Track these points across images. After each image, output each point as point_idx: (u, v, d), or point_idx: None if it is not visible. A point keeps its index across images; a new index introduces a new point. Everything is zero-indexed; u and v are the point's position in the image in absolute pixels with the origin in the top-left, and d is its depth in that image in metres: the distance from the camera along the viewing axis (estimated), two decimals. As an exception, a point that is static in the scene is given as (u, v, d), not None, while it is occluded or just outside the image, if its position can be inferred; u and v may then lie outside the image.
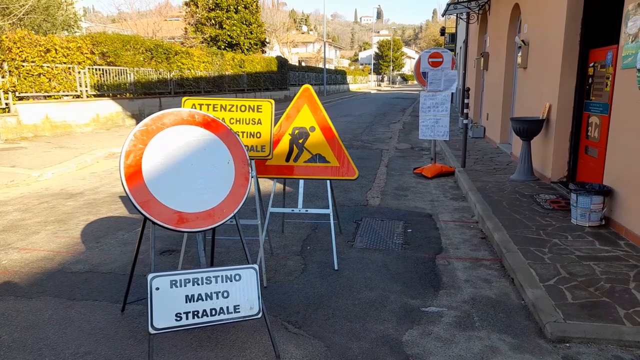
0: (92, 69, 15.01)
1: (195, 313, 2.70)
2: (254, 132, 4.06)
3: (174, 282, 2.69)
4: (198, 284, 2.75)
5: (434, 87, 8.40)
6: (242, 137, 4.04)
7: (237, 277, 2.86)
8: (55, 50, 13.83)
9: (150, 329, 2.56)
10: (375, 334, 3.17)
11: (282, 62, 31.04)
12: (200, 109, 4.07)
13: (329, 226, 5.41)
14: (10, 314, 3.47)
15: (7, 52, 12.52)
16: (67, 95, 14.30)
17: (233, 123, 4.06)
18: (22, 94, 12.93)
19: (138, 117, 16.84)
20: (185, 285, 2.72)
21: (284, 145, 4.53)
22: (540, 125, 7.22)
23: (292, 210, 4.49)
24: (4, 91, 12.47)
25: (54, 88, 13.85)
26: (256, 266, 2.93)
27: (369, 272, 4.22)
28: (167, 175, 2.83)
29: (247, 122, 4.07)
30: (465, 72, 17.38)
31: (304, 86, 4.63)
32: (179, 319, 2.65)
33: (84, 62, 14.77)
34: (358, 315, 3.43)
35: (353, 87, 56.17)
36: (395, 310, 3.50)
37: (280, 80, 30.75)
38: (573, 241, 4.66)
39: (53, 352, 2.97)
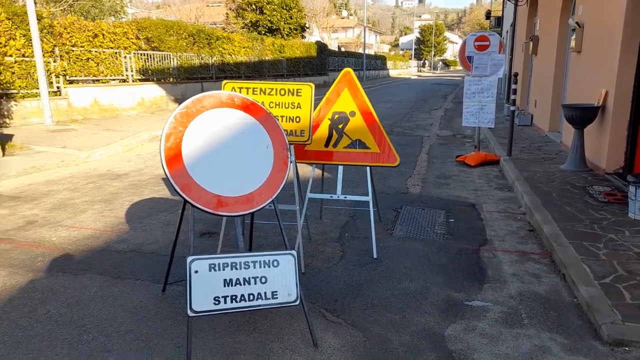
0: (138, 53, 15.34)
1: (234, 297, 2.68)
2: (293, 117, 3.98)
3: (212, 265, 2.67)
4: (236, 269, 2.73)
5: (480, 71, 8.05)
6: (281, 121, 3.98)
7: (276, 263, 2.82)
8: (103, 35, 14.21)
9: (189, 312, 2.56)
10: (416, 327, 3.07)
11: (321, 47, 30.80)
12: (240, 93, 4.03)
13: (368, 213, 5.29)
14: (58, 289, 3.58)
15: (58, 37, 12.96)
16: (114, 80, 14.71)
17: (272, 107, 4.00)
18: (72, 78, 13.39)
19: (181, 101, 17.02)
20: (223, 270, 2.69)
21: (323, 130, 4.44)
22: (594, 113, 6.79)
23: (331, 197, 4.41)
24: (55, 75, 12.95)
25: (102, 72, 14.27)
26: (294, 252, 2.87)
27: (409, 262, 4.10)
28: (207, 158, 2.80)
29: (287, 106, 3.99)
30: (512, 57, 16.65)
31: (344, 70, 4.50)
32: (217, 302, 2.64)
33: (129, 47, 15.11)
34: (398, 307, 3.33)
35: (393, 73, 55.20)
36: (437, 303, 3.38)
37: (320, 66, 30.55)
38: (631, 237, 4.36)
39: (97, 329, 3.03)
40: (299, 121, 3.98)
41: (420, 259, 4.18)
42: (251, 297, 2.72)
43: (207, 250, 4.35)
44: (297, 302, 2.81)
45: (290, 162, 3.08)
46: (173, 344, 2.86)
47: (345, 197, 4.38)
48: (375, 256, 4.19)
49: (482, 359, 2.74)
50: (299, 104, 3.99)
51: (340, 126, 4.42)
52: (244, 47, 21.46)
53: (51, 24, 12.78)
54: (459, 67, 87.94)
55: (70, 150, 9.21)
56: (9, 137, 10.11)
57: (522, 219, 5.28)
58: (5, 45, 11.78)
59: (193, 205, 2.72)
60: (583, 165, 6.98)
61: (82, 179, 7.25)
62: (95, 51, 13.96)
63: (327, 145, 4.43)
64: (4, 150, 8.75)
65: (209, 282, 2.65)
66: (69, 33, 13.19)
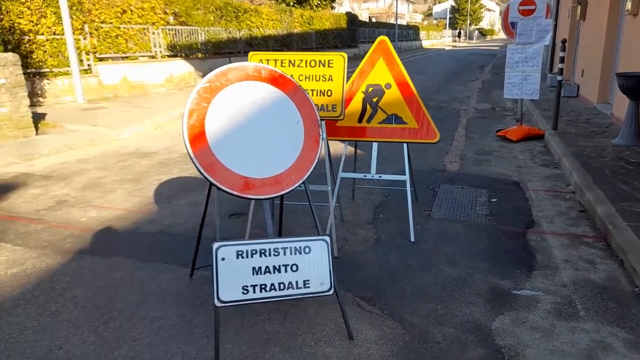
0: (165, 29, 15.21)
1: (263, 286, 2.50)
2: (324, 90, 3.71)
3: (240, 252, 2.49)
4: (265, 256, 2.53)
5: (524, 38, 7.49)
6: (312, 95, 3.71)
7: (307, 250, 2.61)
8: (131, 11, 14.11)
9: (216, 302, 2.39)
10: (459, 318, 2.83)
11: (351, 18, 29.96)
12: (267, 64, 3.77)
13: (403, 193, 5.02)
14: (86, 273, 3.50)
15: (87, 14, 12.93)
16: (142, 56, 14.67)
17: (302, 80, 3.74)
18: (101, 55, 13.40)
19: (209, 78, 16.97)
20: (252, 257, 2.51)
21: (356, 104, 4.15)
22: (653, 81, 6.20)
23: (365, 176, 4.15)
24: (85, 53, 12.98)
25: (131, 49, 14.23)
26: (327, 238, 2.66)
27: (449, 246, 3.83)
28: (232, 137, 2.59)
29: (317, 78, 3.72)
30: (557, 24, 15.65)
31: (379, 38, 4.17)
32: (245, 292, 2.46)
33: (157, 22, 14.98)
34: (438, 296, 3.09)
35: (426, 44, 53.48)
36: (482, 292, 3.12)
37: (350, 38, 29.80)
38: (698, 219, 3.95)
39: (123, 315, 2.93)
40: (330, 95, 3.70)
41: (462, 242, 3.90)
42: (281, 286, 2.53)
43: (235, 233, 4.19)
44: (331, 292, 2.61)
45: (322, 139, 2.83)
46: (201, 333, 2.72)
47: (380, 177, 4.11)
48: (412, 239, 3.93)
49: (535, 356, 2.49)
50: (330, 76, 3.71)
51: (374, 100, 4.12)
52: (272, 20, 21.03)
53: (80, 1, 12.73)
54: (496, 37, 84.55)
55: (101, 129, 9.22)
56: (43, 115, 10.21)
57: (572, 198, 4.89)
58: (37, 24, 11.82)
59: (218, 188, 2.52)
60: (638, 139, 6.44)
61: (112, 158, 7.22)
62: (124, 27, 13.90)
63: (360, 120, 4.15)
64: (37, 129, 8.83)
65: (236, 270, 2.47)
66: (97, 9, 13.13)
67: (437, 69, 22.17)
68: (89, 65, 13.07)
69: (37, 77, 11.82)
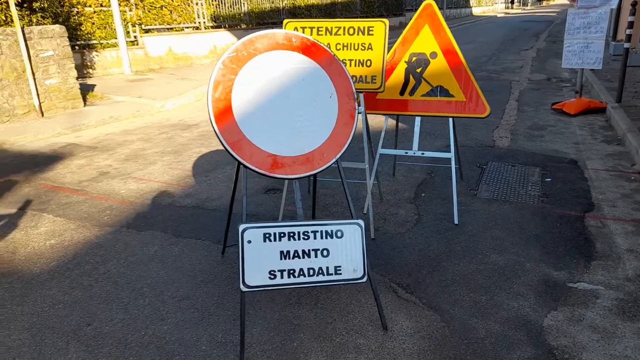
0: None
1: (291, 272, 2.35)
2: (363, 60, 3.44)
3: (267, 235, 2.34)
4: (294, 239, 2.37)
5: (587, 1, 6.79)
6: (350, 65, 3.46)
7: (339, 234, 2.43)
8: (175, -19, 14.05)
9: (241, 286, 2.27)
10: (506, 312, 2.58)
11: (399, -16, 28.70)
12: (303, 32, 3.54)
13: (448, 171, 4.73)
14: (121, 246, 3.49)
15: (133, -15, 12.98)
16: (187, 27, 14.67)
17: (339, 49, 3.48)
18: (147, 27, 13.49)
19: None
20: (280, 240, 2.36)
21: (398, 75, 3.85)
22: None
23: (406, 153, 3.88)
24: (132, 24, 13.10)
25: (175, 20, 14.24)
26: (361, 222, 2.46)
27: (497, 230, 3.54)
28: (260, 111, 2.41)
29: (356, 47, 3.45)
30: (625, -15, 14.27)
31: (425, 2, 3.82)
32: (272, 277, 2.32)
33: (201, -8, 14.88)
34: (484, 285, 2.85)
35: (477, 11, 50.80)
36: (532, 283, 2.84)
37: (396, 5, 28.67)
38: None
39: (153, 292, 2.88)
40: (369, 65, 3.44)
41: (511, 226, 3.60)
42: (311, 272, 2.38)
43: (270, 209, 4.07)
44: (364, 280, 2.42)
45: (359, 113, 2.60)
46: (229, 315, 2.63)
47: (423, 153, 3.83)
48: (456, 221, 3.67)
49: (592, 360, 2.22)
50: (370, 44, 3.43)
51: (418, 70, 3.81)
52: (316, -12, 20.46)
53: (126, -28, 12.77)
54: (553, 2, 79.16)
55: (145, 100, 9.32)
56: (91, 87, 10.45)
57: (637, 179, 4.43)
58: (85, -4, 11.99)
59: (245, 166, 2.37)
60: None
61: (155, 129, 7.26)
62: (169, -2, 13.89)
63: (402, 93, 3.86)
64: (85, 100, 9.03)
65: (263, 254, 2.33)
66: (143, -19, 13.16)
67: (488, 37, 20.97)
68: (135, 37, 13.21)
69: (87, 49, 12.06)
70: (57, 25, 8.38)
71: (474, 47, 16.48)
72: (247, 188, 4.44)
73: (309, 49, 2.51)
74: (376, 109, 3.91)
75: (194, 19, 14.79)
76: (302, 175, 2.43)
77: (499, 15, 47.30)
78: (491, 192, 4.30)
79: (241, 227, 2.31)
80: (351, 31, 3.46)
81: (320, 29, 3.52)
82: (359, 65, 3.45)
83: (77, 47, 11.76)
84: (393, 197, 4.25)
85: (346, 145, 2.52)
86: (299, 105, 2.47)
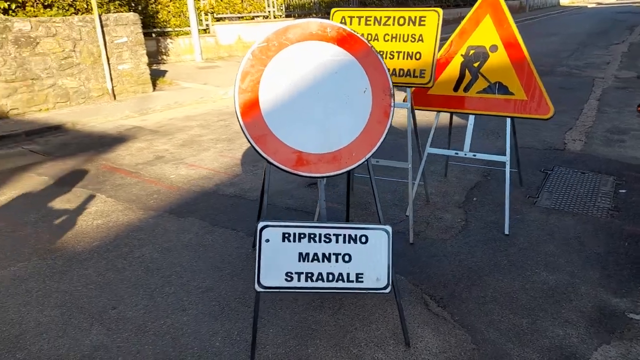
0: (279, -13, 15.20)
1: (309, 275, 2.23)
2: (412, 53, 3.21)
3: (287, 235, 2.23)
4: (315, 241, 2.25)
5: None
6: (397, 58, 3.24)
7: (363, 239, 2.27)
8: (248, -30, 14.27)
9: (256, 286, 2.19)
10: (549, 340, 2.30)
11: (479, -28, 27.24)
12: (351, 23, 3.37)
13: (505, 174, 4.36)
14: (159, 231, 3.56)
15: (207, -26, 13.34)
16: (257, 16, 14.88)
17: (388, 40, 3.27)
18: (219, 15, 13.84)
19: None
20: (299, 241, 2.24)
21: (453, 69, 3.57)
22: None
23: (456, 154, 3.61)
24: (204, 13, 13.50)
25: (246, 9, 14.50)
26: (389, 228, 2.28)
27: (552, 245, 3.19)
28: (288, 105, 2.29)
29: (405, 38, 3.23)
30: None
31: (490, -10, 3.49)
32: (289, 279, 2.22)
33: (272, -19, 15.01)
34: (527, 306, 2.56)
35: (565, 1, 47.24)
36: (585, 310, 2.52)
37: (475, -5, 27.29)
38: None
39: (180, 281, 2.90)
40: (419, 58, 3.20)
41: (570, 241, 3.24)
42: (330, 277, 2.24)
43: (310, 204, 3.97)
44: (388, 290, 2.25)
45: (392, 108, 2.40)
46: (249, 312, 2.58)
47: (475, 155, 3.54)
48: (506, 232, 3.36)
49: (646, 408, 1.91)
50: (420, 35, 3.19)
51: (475, 64, 3.51)
52: (390, -23, 19.96)
53: (201, -40, 13.15)
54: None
55: (210, 87, 9.56)
56: (163, 73, 10.90)
57: None
58: (162, -15, 12.50)
59: (268, 162, 2.27)
60: None
61: (214, 116, 7.41)
62: (240, -13, 14.15)
63: (456, 88, 3.58)
64: (155, 85, 9.44)
65: (281, 254, 2.23)
66: (216, -31, 13.49)
67: (574, 29, 19.36)
68: (207, 25, 13.60)
69: (162, 36, 12.59)
70: (131, 13, 8.78)
71: (558, 40, 15.27)
72: (289, 181, 4.37)
73: (344, 40, 2.35)
74: (427, 105, 3.67)
75: (264, 8, 14.96)
76: (327, 174, 2.29)
77: (590, 5, 43.68)
78: (553, 200, 3.91)
79: (260, 224, 2.23)
80: (401, 21, 3.24)
81: (368, 18, 3.33)
82: (407, 58, 3.23)
83: (153, 35, 12.30)
84: (441, 199, 3.99)
85: (378, 144, 2.34)
86: (329, 99, 2.32)
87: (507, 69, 3.42)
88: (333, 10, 3.45)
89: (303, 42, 2.32)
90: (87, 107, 7.95)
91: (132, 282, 2.87)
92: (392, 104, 2.35)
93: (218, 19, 13.89)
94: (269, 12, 15.11)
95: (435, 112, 3.70)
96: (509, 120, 3.46)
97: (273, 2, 15.06)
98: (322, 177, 2.31)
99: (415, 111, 3.58)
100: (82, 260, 3.13)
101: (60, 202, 4.10)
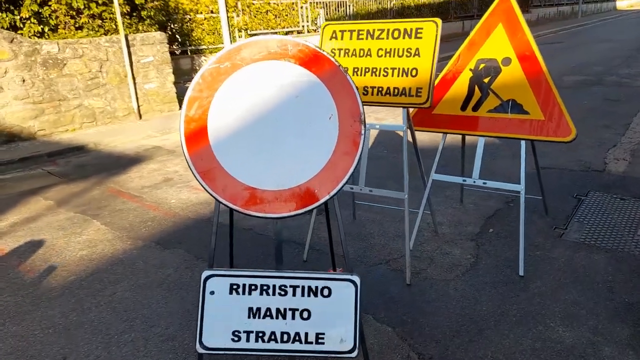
0: (314, 2, 15.11)
1: (260, 335, 1.91)
2: (407, 69, 2.85)
3: (235, 286, 1.93)
4: (268, 294, 1.93)
5: None
6: (392, 75, 2.89)
7: (326, 292, 1.93)
8: (281, -14, 14.29)
9: (198, 347, 1.90)
10: None
11: (525, -22, 26.21)
12: (342, 37, 3.06)
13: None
14: (138, 265, 3.34)
15: (240, -9, 13.44)
16: (290, 31, 14.84)
17: (381, 56, 2.94)
18: (252, 32, 13.90)
19: (354, 51, 16.56)
20: (250, 293, 1.93)
21: (461, 85, 3.17)
22: None
23: (464, 181, 3.19)
24: (238, 29, 13.59)
25: (279, 24, 14.49)
26: (356, 278, 1.93)
27: (574, 291, 2.71)
28: (240, 135, 2.00)
29: (401, 53, 2.88)
30: None
31: (501, -4, 3.09)
32: (237, 339, 1.91)
33: (305, -4, 14.95)
34: (533, 373, 2.12)
35: (622, 4, 44.63)
36: (604, 383, 2.05)
37: (521, 2, 26.22)
38: None
39: (143, 326, 2.63)
40: (415, 75, 2.84)
41: (597, 286, 2.73)
42: (285, 337, 1.91)
43: (316, 232, 3.64)
44: (354, 354, 1.89)
45: (363, 136, 2.06)
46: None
47: (485, 183, 3.11)
48: (521, 273, 2.90)
49: None
50: (417, 49, 2.83)
51: (486, 80, 3.10)
52: (427, -13, 19.49)
53: (235, -22, 13.27)
54: None
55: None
56: (192, 91, 10.94)
57: None
58: (196, 3, 12.68)
59: (215, 199, 1.99)
60: None
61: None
62: (274, 3, 14.16)
63: (464, 107, 3.17)
64: (180, 103, 9.46)
65: (228, 309, 1.92)
66: (250, -14, 13.58)
67: (629, 35, 18.04)
68: (239, 42, 13.67)
69: (196, 54, 12.74)
70: (157, 32, 8.86)
71: (610, 47, 14.22)
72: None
73: (308, 59, 2.04)
74: (430, 126, 3.28)
75: (298, 22, 14.91)
76: (284, 214, 1.97)
77: (649, 8, 41.09)
78: (583, 233, 3.39)
79: (204, 274, 1.93)
80: (396, 34, 2.90)
81: (361, 32, 3.01)
82: (402, 75, 2.87)
83: (188, 52, 12.48)
84: (452, 230, 3.56)
85: (345, 178, 2.00)
86: (288, 128, 2.01)
87: (522, 85, 2.99)
88: (323, 24, 3.16)
89: (260, 62, 2.03)
90: (113, 127, 8.03)
91: (93, 327, 2.64)
92: (363, 132, 2.01)
93: (251, 35, 13.94)
94: (303, 26, 15.05)
95: (440, 133, 3.30)
96: (523, 143, 3.01)
97: (307, 16, 14.99)
98: (278, 218, 1.99)
99: (417, 132, 3.21)
100: (51, 298, 2.95)
101: (54, 230, 3.99)
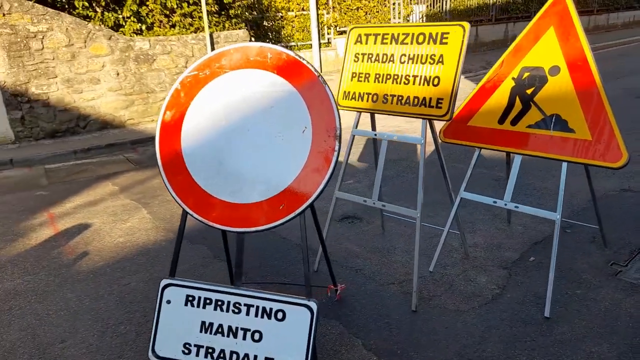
0: (406, -1, 14.68)
1: (210, 351, 1.87)
2: (429, 77, 2.60)
3: (190, 298, 1.91)
4: (222, 310, 1.88)
5: None
6: (413, 83, 2.66)
7: (280, 315, 1.83)
8: (374, -18, 14.07)
9: (150, 354, 1.90)
10: None
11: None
12: (367, 41, 2.89)
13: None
14: (161, 258, 3.45)
15: (334, -12, 13.47)
16: (379, 28, 14.56)
17: (404, 62, 2.72)
18: (342, 29, 13.88)
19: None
20: (204, 307, 1.90)
21: (501, 96, 2.83)
22: None
23: (495, 203, 2.83)
24: (327, 26, 13.67)
25: (369, 22, 14.29)
26: (314, 304, 1.80)
27: (606, 344, 2.28)
28: (212, 145, 1.97)
29: (424, 60, 2.64)
30: None
31: (555, -6, 2.69)
32: (187, 351, 1.89)
33: (399, -9, 14.56)
34: None
35: None
36: None
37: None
38: None
39: (140, 320, 2.72)
40: (437, 84, 2.58)
41: (635, 341, 2.28)
42: (234, 357, 1.85)
43: (346, 242, 3.53)
44: (302, 386, 1.77)
45: (337, 151, 1.90)
46: None
47: (517, 207, 2.74)
48: (546, 314, 2.52)
49: None
50: (441, 56, 2.57)
51: (529, 91, 2.73)
52: (538, -20, 17.91)
53: (328, -25, 13.32)
54: None
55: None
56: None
57: None
58: (289, 1, 12.97)
59: (180, 206, 1.97)
60: None
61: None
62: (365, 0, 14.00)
63: (502, 120, 2.83)
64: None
65: (182, 320, 1.91)
66: (342, -17, 13.55)
67: None
68: (329, 38, 13.73)
69: (284, 50, 13.05)
70: (241, 30, 9.20)
71: None
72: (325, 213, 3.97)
73: (287, 68, 1.94)
74: (464, 139, 2.97)
75: (389, 19, 14.58)
76: (244, 230, 1.90)
77: None
78: (646, 275, 2.86)
79: (163, 282, 1.94)
80: (420, 39, 2.65)
81: (385, 36, 2.81)
82: (423, 84, 2.63)
83: (276, 49, 12.84)
84: (486, 254, 3.21)
85: (314, 196, 1.87)
86: (260, 140, 1.93)
87: (570, 99, 2.58)
88: (350, 26, 3.01)
89: (239, 71, 1.97)
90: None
91: (97, 314, 2.77)
92: (337, 148, 1.87)
93: (340, 32, 13.93)
94: (394, 23, 14.66)
95: (474, 147, 2.97)
96: (564, 165, 2.60)
97: (399, 12, 14.60)
98: (241, 233, 1.92)
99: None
100: (75, 281, 3.17)
101: (107, 215, 4.32)
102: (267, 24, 12.83)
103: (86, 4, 7.91)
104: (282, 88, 1.94)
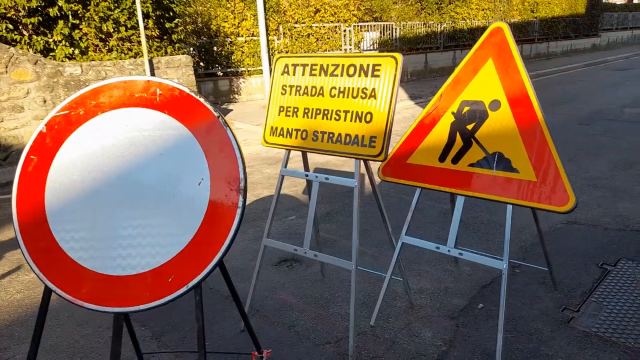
0: (357, 26, 14.79)
1: None
2: (361, 113, 2.34)
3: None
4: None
5: None
6: (345, 119, 2.39)
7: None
8: (324, 9, 14.09)
9: None
10: None
11: (593, 1, 24.59)
12: (294, 72, 2.60)
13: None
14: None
15: (283, 15, 13.37)
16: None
17: (334, 96, 2.44)
18: (292, 55, 13.75)
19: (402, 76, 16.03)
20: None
21: (440, 131, 2.60)
22: None
23: (437, 248, 2.57)
24: (278, 52, 13.49)
25: (320, 48, 14.26)
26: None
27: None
28: (83, 205, 1.58)
29: (355, 93, 2.37)
30: None
31: (492, 26, 2.53)
32: None
33: (349, 19, 14.66)
34: None
35: None
36: None
37: (588, 25, 24.58)
38: None
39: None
40: (369, 120, 2.31)
41: (595, 411, 2.03)
42: None
43: (275, 290, 3.16)
44: None
45: (241, 207, 1.57)
46: None
47: (461, 254, 2.49)
48: (497, 377, 2.24)
49: None
50: (373, 90, 2.31)
51: (469, 127, 2.51)
52: (482, 10, 18.63)
53: (278, 2, 13.21)
54: None
55: (260, 129, 9.25)
56: (227, 112, 10.90)
57: None
58: (238, 27, 12.73)
59: (44, 283, 1.56)
60: None
61: (249, 161, 6.98)
62: (316, 26, 13.98)
63: (442, 158, 2.59)
64: (206, 126, 9.34)
65: None
66: (293, 10, 13.47)
67: None
68: (278, 64, 13.55)
69: (235, 76, 12.75)
70: (184, 55, 8.82)
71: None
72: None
73: (179, 107, 1.60)
74: (403, 178, 2.71)
75: (340, 45, 14.62)
76: (122, 309, 1.51)
77: None
78: (600, 319, 2.66)
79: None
80: (351, 70, 2.40)
81: (314, 66, 2.54)
82: (355, 120, 2.36)
83: (228, 74, 12.53)
84: (433, 301, 2.94)
85: (215, 261, 1.52)
86: (144, 196, 1.57)
87: (512, 135, 2.38)
88: (277, 56, 2.73)
89: (120, 110, 1.61)
90: (131, 148, 7.98)
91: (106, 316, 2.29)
92: (241, 204, 1.53)
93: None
94: (345, 50, 14.72)
95: (414, 187, 2.72)
96: (509, 208, 2.37)
97: (350, 40, 14.67)
98: (118, 313, 1.53)
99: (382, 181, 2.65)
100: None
101: (11, 264, 3.77)
102: (216, 49, 12.52)
103: (10, 26, 7.32)
104: (173, 131, 1.59)
